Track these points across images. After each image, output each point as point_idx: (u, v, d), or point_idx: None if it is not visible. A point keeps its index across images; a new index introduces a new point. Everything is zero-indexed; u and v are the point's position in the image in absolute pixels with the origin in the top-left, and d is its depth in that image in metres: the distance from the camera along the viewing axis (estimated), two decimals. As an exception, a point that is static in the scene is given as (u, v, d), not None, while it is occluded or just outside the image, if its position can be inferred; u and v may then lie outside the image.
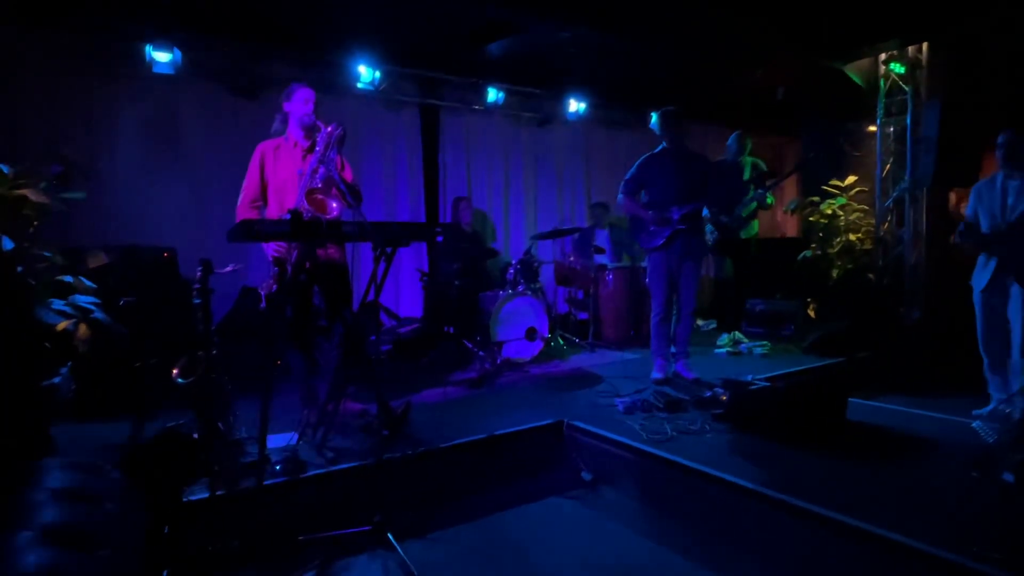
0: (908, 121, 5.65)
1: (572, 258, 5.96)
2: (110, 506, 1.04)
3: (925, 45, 5.52)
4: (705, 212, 4.15)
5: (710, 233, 5.32)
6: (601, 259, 5.95)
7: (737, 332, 5.41)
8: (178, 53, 4.47)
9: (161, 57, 4.42)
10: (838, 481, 2.51)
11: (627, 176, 4.12)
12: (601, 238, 6.33)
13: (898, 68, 5.67)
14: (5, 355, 1.26)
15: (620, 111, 7.08)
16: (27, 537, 0.88)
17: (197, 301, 2.12)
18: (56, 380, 2.85)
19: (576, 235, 6.27)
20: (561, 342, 5.39)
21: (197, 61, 4.66)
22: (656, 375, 4.11)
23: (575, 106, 6.47)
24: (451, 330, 4.90)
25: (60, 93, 4.31)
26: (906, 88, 5.66)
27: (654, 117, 6.96)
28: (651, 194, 4.09)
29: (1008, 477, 2.41)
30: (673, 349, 4.23)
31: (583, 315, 6.07)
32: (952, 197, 5.82)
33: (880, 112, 5.89)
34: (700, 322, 6.16)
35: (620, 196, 4.13)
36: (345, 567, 2.32)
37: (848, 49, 5.65)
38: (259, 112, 4.62)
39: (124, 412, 3.04)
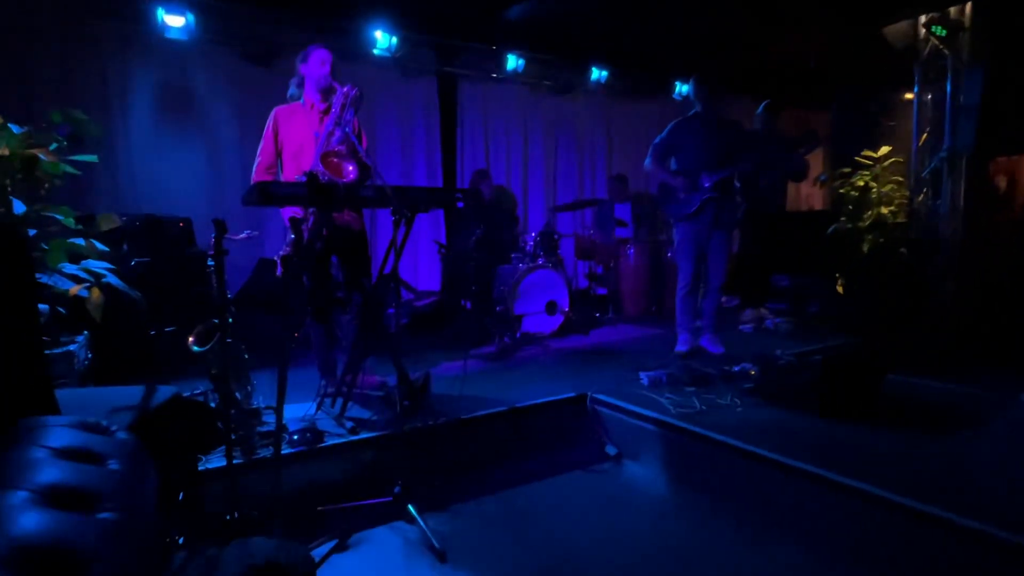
0: (948, 88, 5.38)
1: (592, 231, 5.82)
2: (115, 466, 0.96)
3: (968, 6, 5.23)
4: (736, 184, 3.97)
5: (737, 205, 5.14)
6: (622, 232, 5.81)
7: (762, 308, 5.25)
8: (191, 18, 4.37)
9: (174, 22, 4.31)
10: (878, 457, 2.39)
11: (656, 140, 3.94)
12: (622, 211, 6.18)
13: (939, 31, 5.38)
14: (7, 316, 1.18)
15: (643, 80, 6.84)
16: (22, 497, 0.81)
17: (212, 264, 2.03)
18: (72, 347, 2.82)
19: (596, 207, 6.13)
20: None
21: (210, 27, 4.54)
22: (680, 348, 3.99)
23: (596, 74, 6.27)
24: (469, 304, 4.81)
25: (72, 58, 4.22)
26: (946, 53, 5.38)
27: (677, 85, 6.82)
28: (681, 161, 3.91)
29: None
30: (698, 323, 4.10)
31: (602, 290, 5.95)
32: (991, 168, 5.56)
33: (917, 78, 5.61)
34: (723, 298, 6.00)
35: (648, 160, 3.95)
36: (365, 538, 2.26)
37: (885, 11, 5.37)
38: (273, 79, 4.49)
39: (140, 379, 3.00)
